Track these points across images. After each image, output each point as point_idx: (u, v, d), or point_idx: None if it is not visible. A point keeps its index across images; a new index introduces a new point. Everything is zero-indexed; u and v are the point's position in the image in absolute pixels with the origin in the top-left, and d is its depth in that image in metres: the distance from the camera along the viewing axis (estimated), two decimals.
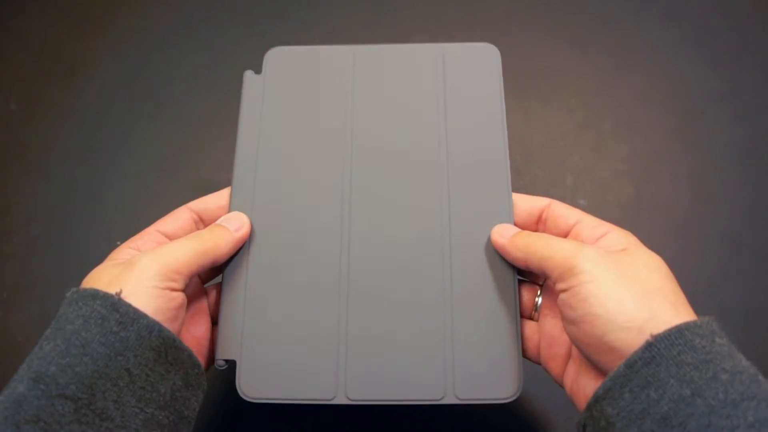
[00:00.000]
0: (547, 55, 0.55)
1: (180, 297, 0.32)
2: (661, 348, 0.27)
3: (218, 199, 0.38)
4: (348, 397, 0.35)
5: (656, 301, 0.28)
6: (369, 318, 0.36)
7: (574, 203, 0.36)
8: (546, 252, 0.32)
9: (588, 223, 0.34)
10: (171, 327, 0.31)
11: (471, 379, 0.35)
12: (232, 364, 0.36)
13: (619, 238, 0.33)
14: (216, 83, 0.55)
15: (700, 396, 0.26)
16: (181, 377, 0.31)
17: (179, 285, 0.32)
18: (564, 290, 0.31)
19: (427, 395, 0.35)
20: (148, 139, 0.54)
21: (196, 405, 0.33)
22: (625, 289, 0.29)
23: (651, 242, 0.33)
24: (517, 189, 0.38)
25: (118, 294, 0.29)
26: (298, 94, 0.41)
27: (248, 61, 0.42)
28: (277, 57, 0.42)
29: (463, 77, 0.41)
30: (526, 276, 0.38)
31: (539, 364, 0.36)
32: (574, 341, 0.31)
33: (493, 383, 0.35)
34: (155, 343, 0.29)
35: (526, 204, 0.37)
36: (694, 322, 0.27)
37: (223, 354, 0.36)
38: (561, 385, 0.34)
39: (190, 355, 0.32)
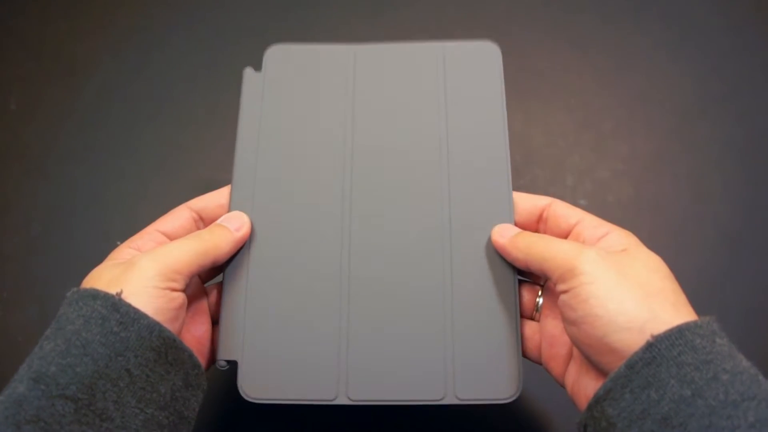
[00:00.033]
0: (547, 55, 0.55)
1: (180, 297, 0.32)
2: (662, 348, 0.27)
3: (218, 197, 0.38)
4: (349, 398, 0.35)
5: (657, 302, 0.28)
6: (369, 318, 0.36)
7: (574, 203, 0.36)
8: (546, 253, 0.32)
9: (589, 223, 0.34)
10: (171, 327, 0.31)
11: (471, 379, 0.35)
12: (233, 365, 0.36)
13: (619, 238, 0.33)
14: (216, 83, 0.55)
15: (700, 396, 0.26)
16: (181, 377, 0.31)
17: (179, 285, 0.32)
18: (564, 291, 0.31)
19: (428, 395, 0.35)
20: (147, 139, 0.54)
21: (195, 405, 0.33)
22: (626, 290, 0.29)
23: (651, 242, 0.33)
24: (516, 189, 0.38)
25: (119, 294, 0.29)
26: (298, 93, 0.41)
27: (248, 61, 0.42)
28: (277, 55, 0.42)
29: (464, 76, 0.41)
30: (527, 276, 0.38)
31: (540, 364, 0.36)
32: (575, 342, 0.31)
33: (492, 383, 0.35)
34: (156, 343, 0.29)
35: (526, 203, 0.37)
36: (695, 323, 0.27)
37: (224, 354, 0.36)
38: (562, 386, 0.34)
39: (191, 356, 0.32)
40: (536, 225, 0.37)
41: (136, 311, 0.29)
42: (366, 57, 0.42)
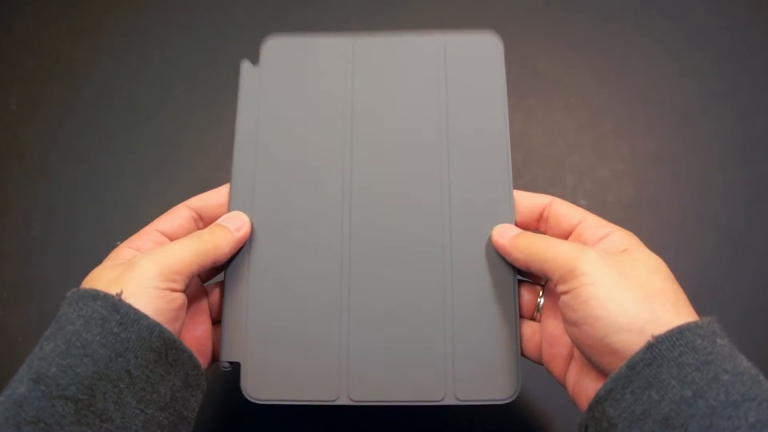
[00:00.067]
0: (547, 55, 0.55)
1: (180, 298, 0.32)
2: (663, 349, 0.27)
3: (217, 196, 0.38)
4: (350, 398, 0.35)
5: (657, 303, 0.28)
6: (370, 319, 0.36)
7: (574, 203, 0.36)
8: (547, 254, 0.32)
9: (591, 223, 0.34)
10: (171, 328, 0.31)
11: (470, 380, 0.35)
12: (235, 366, 0.36)
13: (620, 239, 0.33)
14: (215, 83, 0.55)
15: (701, 397, 0.26)
16: (181, 378, 0.31)
17: (180, 286, 0.32)
18: (565, 292, 0.30)
19: (428, 396, 0.35)
20: (147, 139, 0.54)
21: (195, 406, 0.32)
22: (626, 290, 0.29)
23: (651, 242, 0.33)
24: (516, 189, 0.38)
25: (119, 295, 0.29)
26: (296, 87, 0.40)
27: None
28: (275, 47, 0.41)
29: (465, 69, 0.40)
30: (528, 276, 0.38)
31: (541, 364, 0.36)
32: (576, 343, 0.31)
33: (491, 384, 0.35)
34: (156, 344, 0.29)
35: (527, 201, 0.37)
36: (695, 323, 0.27)
37: (227, 356, 0.36)
38: (563, 386, 0.34)
39: (191, 356, 0.32)
40: (537, 224, 0.37)
41: (137, 312, 0.29)
42: (365, 48, 0.41)
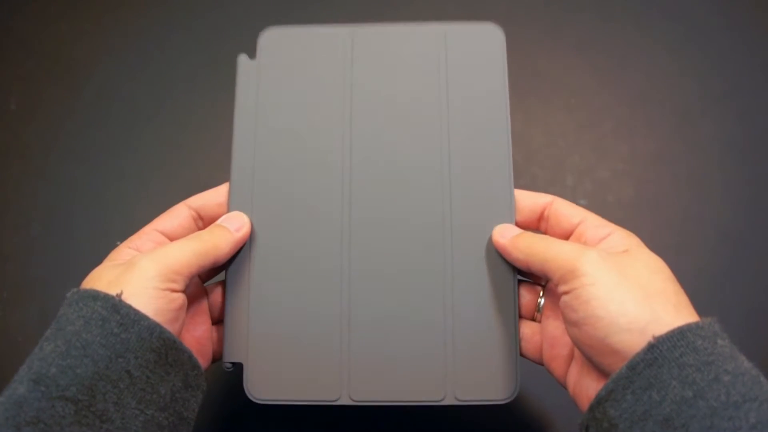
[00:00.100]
0: (547, 55, 0.55)
1: (180, 298, 0.32)
2: (663, 350, 0.27)
3: (216, 195, 0.38)
4: (351, 398, 0.35)
5: (658, 303, 0.28)
6: (371, 320, 0.36)
7: (574, 203, 0.36)
8: (548, 254, 0.32)
9: (592, 223, 0.34)
10: (171, 328, 0.31)
11: (469, 380, 0.35)
12: (237, 366, 0.36)
13: (621, 239, 0.33)
14: (215, 83, 0.55)
15: (702, 398, 0.26)
16: (181, 378, 0.31)
17: (180, 286, 0.32)
18: (566, 292, 0.30)
19: (428, 396, 0.35)
20: (147, 139, 0.54)
21: (195, 406, 0.33)
22: (627, 291, 0.29)
23: (651, 242, 0.33)
24: (517, 188, 0.38)
25: (119, 295, 0.29)
26: (294, 81, 0.39)
27: None
28: (272, 39, 0.40)
29: (466, 59, 0.39)
30: (528, 276, 0.37)
31: (542, 364, 0.36)
32: (576, 343, 0.31)
33: (490, 384, 0.35)
34: (156, 344, 0.29)
35: (528, 200, 0.37)
36: (696, 324, 0.27)
37: (230, 357, 0.36)
38: (564, 387, 0.34)
39: (190, 357, 0.32)
40: (537, 223, 0.37)
41: (137, 312, 0.29)
42: (365, 39, 0.40)
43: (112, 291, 0.30)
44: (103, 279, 0.31)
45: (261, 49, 0.40)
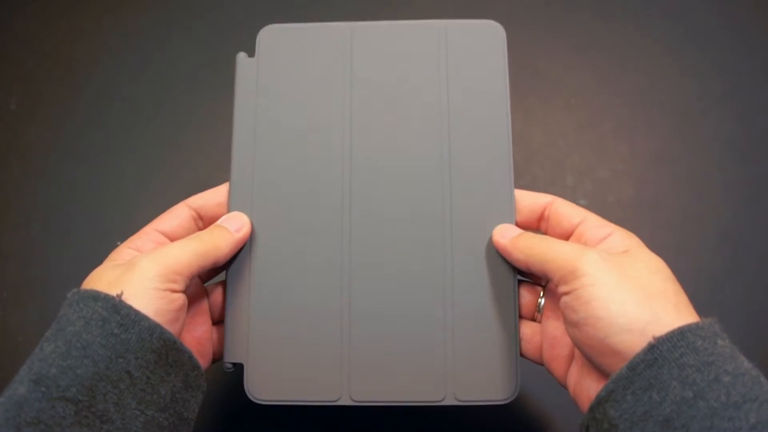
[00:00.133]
0: (547, 55, 0.55)
1: (181, 298, 0.32)
2: (663, 350, 0.27)
3: (216, 195, 0.38)
4: (352, 399, 0.35)
5: (658, 304, 0.28)
6: (371, 320, 0.36)
7: (574, 203, 0.36)
8: (548, 254, 0.32)
9: (592, 223, 0.34)
10: (172, 328, 0.31)
11: (470, 380, 0.35)
12: (237, 367, 0.36)
13: (622, 239, 0.33)
14: (215, 83, 0.55)
15: (702, 398, 0.26)
16: (181, 379, 0.31)
17: (180, 286, 0.32)
18: (566, 293, 0.30)
19: (428, 397, 0.35)
20: (147, 139, 0.54)
21: (195, 406, 0.33)
22: (627, 291, 0.29)
23: (651, 242, 0.33)
24: (517, 188, 0.38)
25: (119, 296, 0.29)
26: (293, 79, 0.39)
27: None
28: (271, 36, 0.40)
29: (466, 56, 0.39)
30: (528, 277, 0.37)
31: (542, 365, 0.36)
32: (577, 343, 0.31)
33: (490, 385, 0.35)
34: (156, 345, 0.29)
35: (528, 200, 0.37)
36: (696, 324, 0.27)
37: (230, 357, 0.36)
38: (564, 387, 0.34)
39: (191, 357, 0.32)
40: (537, 223, 0.37)
41: (137, 313, 0.29)
42: (364, 35, 0.40)
43: (113, 291, 0.30)
44: (103, 279, 0.31)
45: (260, 47, 0.40)
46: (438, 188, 0.37)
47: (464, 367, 0.35)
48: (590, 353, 0.30)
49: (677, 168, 0.51)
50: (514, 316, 0.35)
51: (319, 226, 0.37)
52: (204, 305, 0.37)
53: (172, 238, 0.36)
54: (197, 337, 0.36)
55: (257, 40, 0.40)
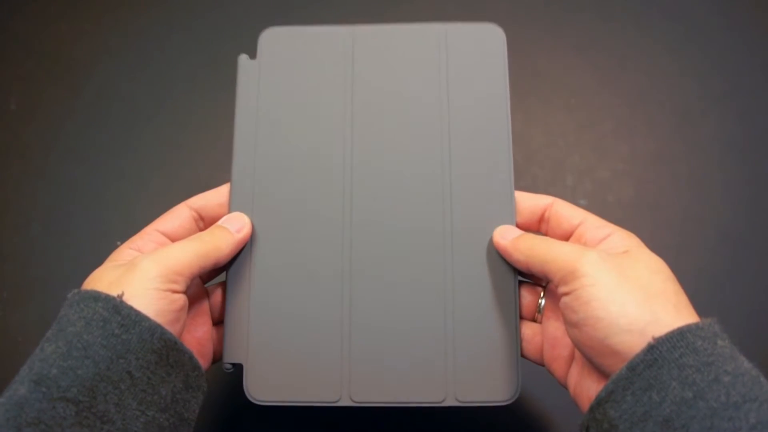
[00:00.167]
0: (547, 55, 0.55)
1: (182, 299, 0.32)
2: (663, 350, 0.27)
3: (217, 195, 0.38)
4: (352, 399, 0.35)
5: (658, 304, 0.29)
6: (372, 321, 0.36)
7: (574, 203, 0.36)
8: (548, 255, 0.32)
9: (592, 224, 0.34)
10: (172, 329, 0.31)
11: (470, 381, 0.35)
12: (237, 367, 0.36)
13: (621, 240, 0.33)
14: (215, 83, 0.55)
15: (702, 398, 0.26)
16: (182, 379, 0.31)
17: (181, 287, 0.32)
18: (566, 293, 0.30)
19: (428, 398, 0.35)
20: (147, 139, 0.54)
21: (196, 407, 0.33)
22: (627, 292, 0.29)
23: (651, 242, 0.33)
24: (517, 189, 0.38)
25: (120, 296, 0.29)
26: (295, 81, 0.39)
27: None
28: (273, 39, 0.40)
29: (467, 58, 0.39)
30: (528, 278, 0.37)
31: (542, 365, 0.36)
32: (577, 344, 0.31)
33: (491, 386, 0.35)
34: (157, 345, 0.29)
35: (528, 202, 0.37)
36: (696, 325, 0.27)
37: (230, 357, 0.36)
38: (565, 387, 0.34)
39: (191, 358, 0.32)
40: (538, 225, 0.37)
41: (138, 314, 0.29)
42: (365, 38, 0.40)
43: (113, 292, 0.30)
44: (104, 280, 0.31)
45: (261, 49, 0.40)
46: (438, 190, 0.37)
47: (465, 367, 0.35)
48: (590, 354, 0.30)
49: (677, 168, 0.51)
50: (514, 316, 0.35)
51: (320, 227, 0.37)
52: (205, 306, 0.37)
53: (173, 239, 0.36)
54: (198, 337, 0.36)
55: (259, 42, 0.40)
